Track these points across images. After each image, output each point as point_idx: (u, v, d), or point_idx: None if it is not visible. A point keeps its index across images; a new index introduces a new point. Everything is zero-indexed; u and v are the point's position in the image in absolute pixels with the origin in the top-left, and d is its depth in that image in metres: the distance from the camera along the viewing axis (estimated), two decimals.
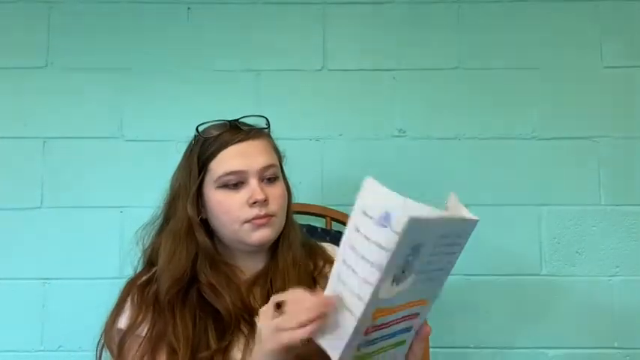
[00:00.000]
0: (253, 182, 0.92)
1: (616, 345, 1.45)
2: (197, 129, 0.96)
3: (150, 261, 0.98)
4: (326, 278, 0.91)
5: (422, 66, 1.53)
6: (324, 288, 0.76)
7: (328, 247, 1.06)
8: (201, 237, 0.94)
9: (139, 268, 1.00)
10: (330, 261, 1.00)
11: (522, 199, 1.48)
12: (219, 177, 0.92)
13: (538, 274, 1.48)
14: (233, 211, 0.92)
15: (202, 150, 0.94)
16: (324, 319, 0.65)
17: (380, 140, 1.50)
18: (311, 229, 1.26)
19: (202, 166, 0.94)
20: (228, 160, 0.92)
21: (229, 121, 0.96)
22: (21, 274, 1.46)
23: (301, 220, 1.31)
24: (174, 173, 1.00)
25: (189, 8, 1.54)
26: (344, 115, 1.52)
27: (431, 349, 1.23)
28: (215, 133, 0.94)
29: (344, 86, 1.53)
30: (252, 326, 0.89)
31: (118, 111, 1.51)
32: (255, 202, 0.91)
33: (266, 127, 1.00)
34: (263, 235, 0.93)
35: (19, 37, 1.52)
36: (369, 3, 1.54)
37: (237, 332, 0.89)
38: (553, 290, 1.47)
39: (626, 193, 1.49)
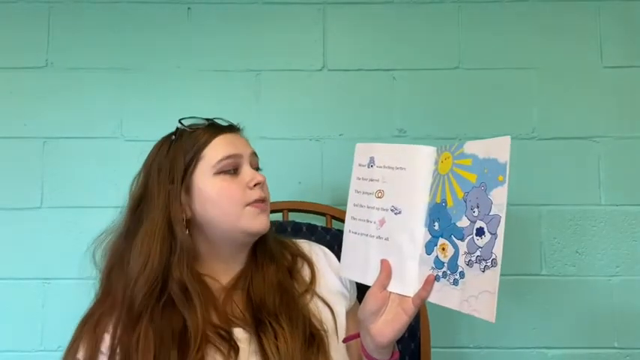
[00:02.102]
0: (247, 167, 0.94)
1: (616, 345, 1.45)
2: (181, 123, 0.95)
3: (106, 289, 0.93)
4: (299, 272, 0.98)
5: (422, 66, 1.53)
6: (299, 282, 0.97)
7: (304, 243, 1.05)
8: (183, 234, 0.89)
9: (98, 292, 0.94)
10: (299, 254, 1.01)
11: (522, 199, 1.48)
12: (218, 161, 0.90)
13: (538, 274, 1.48)
14: (236, 195, 0.90)
15: (191, 141, 0.92)
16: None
17: (380, 140, 1.50)
18: (311, 228, 1.25)
19: (193, 157, 0.91)
20: (223, 145, 0.92)
21: (206, 119, 0.96)
22: (21, 274, 1.46)
23: (301, 218, 1.31)
24: (140, 178, 0.95)
25: (189, 8, 1.54)
26: (344, 115, 1.52)
27: (432, 349, 1.23)
28: (199, 126, 0.94)
29: (344, 86, 1.53)
30: (230, 343, 0.87)
31: (118, 111, 1.51)
32: (256, 184, 0.92)
33: (238, 125, 0.99)
34: (262, 222, 0.93)
35: (19, 37, 1.52)
36: (369, 3, 1.54)
37: (208, 350, 0.85)
38: (553, 290, 1.47)
39: (626, 193, 1.49)
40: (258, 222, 0.92)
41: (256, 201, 0.92)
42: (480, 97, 1.52)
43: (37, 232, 1.47)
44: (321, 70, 1.53)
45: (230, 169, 0.91)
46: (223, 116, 0.98)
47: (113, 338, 0.86)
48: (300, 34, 1.54)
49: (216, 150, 0.91)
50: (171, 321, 0.86)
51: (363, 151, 0.93)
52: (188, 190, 0.91)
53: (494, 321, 0.73)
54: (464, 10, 1.54)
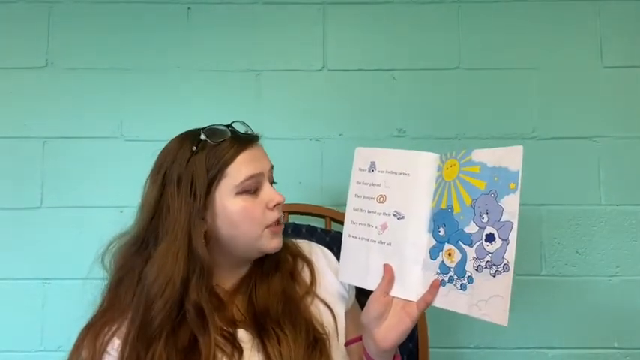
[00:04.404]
0: (267, 185, 0.92)
1: (616, 345, 1.45)
2: (205, 134, 0.89)
3: (112, 299, 0.90)
4: (299, 274, 0.98)
5: (422, 66, 1.53)
6: (299, 284, 0.96)
7: (304, 243, 1.05)
8: (205, 252, 0.87)
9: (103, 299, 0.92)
10: (299, 255, 1.01)
11: (522, 199, 1.46)
12: (242, 182, 0.88)
13: (538, 274, 1.48)
14: (257, 216, 0.89)
15: (215, 156, 0.88)
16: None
17: (380, 140, 1.50)
18: (310, 229, 1.25)
19: (216, 174, 0.88)
20: (247, 164, 0.89)
21: (226, 126, 0.92)
22: (21, 274, 1.46)
23: (301, 220, 1.31)
24: (155, 182, 0.90)
25: (189, 8, 1.54)
26: (344, 115, 1.52)
27: (431, 349, 1.23)
28: (222, 138, 0.89)
29: (344, 86, 1.53)
30: (234, 345, 0.86)
31: (118, 111, 1.51)
32: (276, 205, 0.91)
33: (255, 133, 0.96)
34: (278, 242, 0.93)
35: (19, 37, 1.52)
36: (369, 3, 1.54)
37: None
38: (553, 290, 1.47)
39: (626, 193, 1.49)
40: (274, 243, 0.92)
41: (275, 223, 0.92)
42: (479, 97, 1.52)
43: (37, 232, 1.47)
44: (321, 70, 1.53)
45: (252, 189, 0.90)
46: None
47: (122, 353, 0.84)
48: (300, 34, 1.54)
49: (240, 169, 0.89)
50: (183, 338, 0.85)
51: (363, 155, 0.93)
52: (209, 206, 0.88)
53: (506, 324, 0.74)
54: (464, 10, 1.54)
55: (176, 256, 0.85)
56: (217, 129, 0.91)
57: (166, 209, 0.87)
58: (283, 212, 1.31)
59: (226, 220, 0.89)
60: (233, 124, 0.93)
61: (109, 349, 0.86)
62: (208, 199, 0.88)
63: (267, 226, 0.91)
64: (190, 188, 0.87)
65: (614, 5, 1.53)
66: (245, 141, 0.91)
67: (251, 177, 0.89)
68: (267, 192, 0.91)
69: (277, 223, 0.93)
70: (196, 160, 0.88)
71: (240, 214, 0.89)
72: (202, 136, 0.89)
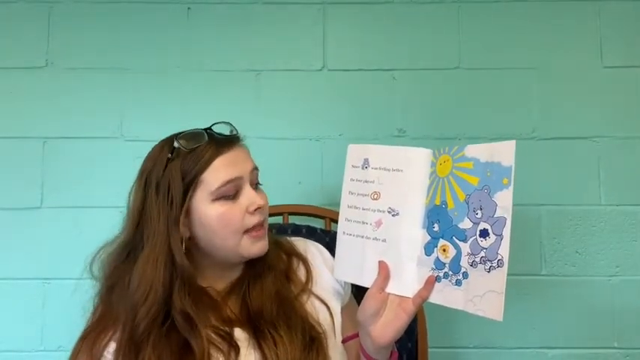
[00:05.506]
0: (248, 188, 0.90)
1: (616, 345, 1.45)
2: (178, 141, 0.88)
3: (106, 307, 0.90)
4: (295, 273, 0.97)
5: (422, 66, 1.53)
6: (295, 283, 0.96)
7: (299, 241, 1.04)
8: (183, 260, 0.86)
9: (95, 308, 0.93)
10: (294, 254, 1.00)
11: (522, 199, 1.48)
12: (218, 188, 0.86)
13: (538, 274, 1.48)
14: (235, 221, 0.88)
15: (189, 162, 0.86)
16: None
17: (380, 140, 1.50)
18: (310, 230, 1.25)
19: (192, 180, 0.86)
20: (224, 168, 0.87)
21: (204, 130, 0.90)
22: (21, 274, 1.46)
23: (301, 220, 1.31)
24: (138, 188, 0.90)
25: (189, 8, 1.54)
26: (344, 115, 1.52)
27: (431, 349, 1.23)
28: (197, 144, 0.88)
29: (344, 86, 1.53)
30: (230, 343, 0.86)
31: (118, 111, 1.51)
32: (256, 209, 0.89)
33: (237, 133, 0.94)
34: (261, 247, 0.91)
35: (19, 37, 1.52)
36: (369, 3, 1.54)
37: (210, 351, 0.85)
38: (553, 290, 1.47)
39: (626, 193, 1.49)
40: (255, 248, 0.90)
41: (255, 227, 0.89)
42: (480, 97, 1.52)
43: (37, 232, 1.47)
44: (321, 70, 1.53)
45: (230, 193, 0.88)
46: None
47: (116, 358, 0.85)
48: (300, 34, 1.54)
49: (216, 174, 0.87)
50: (174, 342, 0.85)
51: (356, 152, 0.93)
52: (187, 213, 0.87)
53: (501, 319, 0.74)
54: (464, 10, 1.54)
55: (156, 263, 0.85)
56: (192, 134, 0.89)
57: (148, 216, 0.87)
58: (283, 213, 1.32)
59: (203, 228, 0.88)
60: (214, 126, 0.91)
61: (105, 353, 0.86)
62: (186, 206, 0.87)
63: (247, 231, 0.89)
64: (167, 195, 0.86)
65: (614, 5, 1.53)
66: (223, 144, 0.89)
67: (228, 182, 0.87)
68: (247, 195, 0.89)
69: (260, 226, 0.90)
70: (172, 167, 0.87)
71: (217, 220, 0.87)
72: (175, 143, 0.88)
